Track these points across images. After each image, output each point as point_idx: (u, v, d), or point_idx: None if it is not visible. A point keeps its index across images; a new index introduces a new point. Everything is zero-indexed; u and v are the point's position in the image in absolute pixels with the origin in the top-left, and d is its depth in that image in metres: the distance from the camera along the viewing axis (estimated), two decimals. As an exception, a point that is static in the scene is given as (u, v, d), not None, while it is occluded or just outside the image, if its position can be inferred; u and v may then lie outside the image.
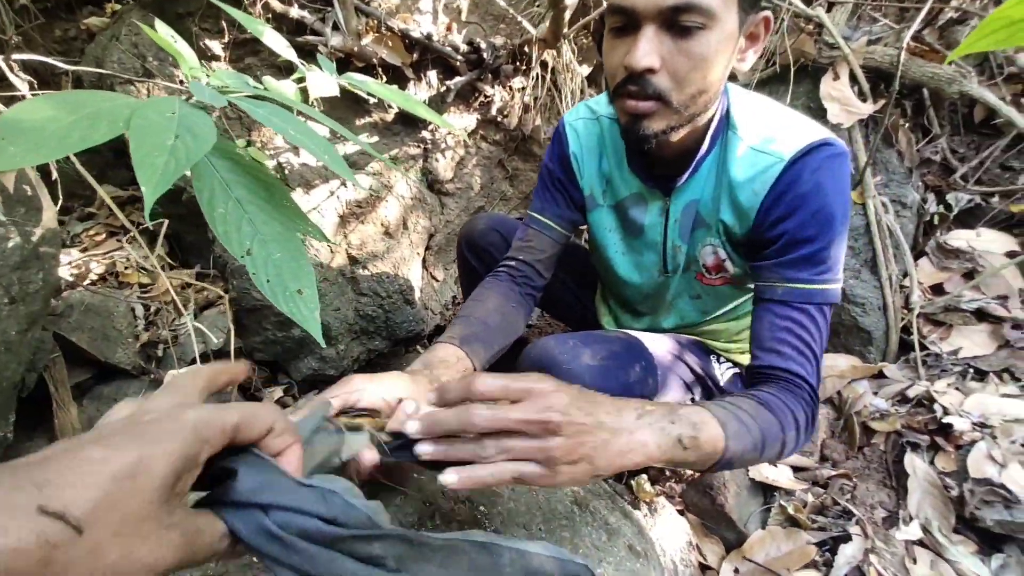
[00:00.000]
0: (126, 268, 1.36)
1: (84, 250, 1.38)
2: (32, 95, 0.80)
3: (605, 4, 0.65)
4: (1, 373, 0.79)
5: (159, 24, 0.66)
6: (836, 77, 1.39)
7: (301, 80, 0.94)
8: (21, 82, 0.81)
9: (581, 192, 0.92)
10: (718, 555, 1.03)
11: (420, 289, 1.56)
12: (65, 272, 1.22)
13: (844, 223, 0.69)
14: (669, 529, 1.01)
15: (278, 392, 1.40)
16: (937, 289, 1.36)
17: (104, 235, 1.48)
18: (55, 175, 0.95)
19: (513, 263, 0.92)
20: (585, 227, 0.98)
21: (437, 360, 0.72)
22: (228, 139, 1.28)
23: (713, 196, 0.77)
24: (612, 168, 0.87)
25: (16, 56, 0.79)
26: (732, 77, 0.72)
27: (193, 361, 1.18)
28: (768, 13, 0.66)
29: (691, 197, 0.79)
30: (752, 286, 0.87)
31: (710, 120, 0.72)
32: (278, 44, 0.89)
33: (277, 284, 0.59)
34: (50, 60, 0.82)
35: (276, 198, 0.65)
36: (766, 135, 0.72)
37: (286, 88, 0.82)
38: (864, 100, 1.36)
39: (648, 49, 0.60)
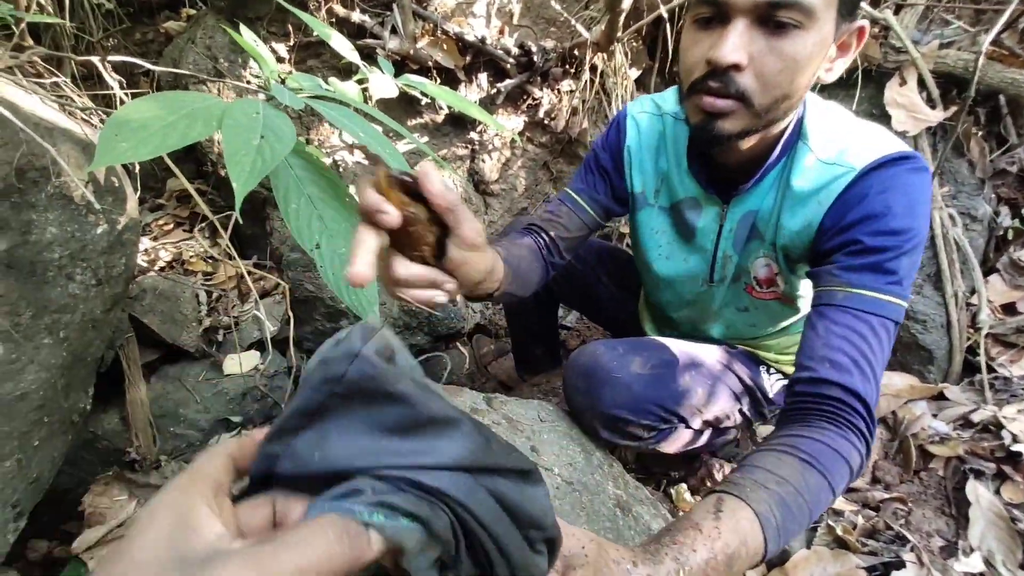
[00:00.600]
0: (192, 257, 1.45)
1: (154, 239, 1.48)
2: (124, 93, 0.87)
3: None
4: (87, 349, 0.86)
5: (243, 29, 0.70)
6: (903, 82, 1.32)
7: (362, 82, 0.98)
8: (114, 80, 0.88)
9: (625, 186, 0.88)
10: (760, 572, 1.01)
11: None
12: (139, 259, 1.31)
13: (918, 240, 0.63)
14: (708, 541, 0.99)
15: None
16: (1009, 309, 1.28)
17: (172, 225, 1.58)
18: (136, 168, 1.02)
19: (539, 231, 0.86)
20: (623, 225, 0.95)
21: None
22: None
23: (773, 208, 0.73)
24: (671, 168, 0.82)
25: (110, 57, 0.85)
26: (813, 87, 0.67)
27: (251, 346, 1.25)
28: (865, 23, 0.61)
29: (751, 207, 0.75)
30: (802, 306, 0.83)
31: (784, 129, 0.69)
32: (344, 47, 0.93)
33: (341, 277, 0.61)
34: (136, 60, 0.88)
35: (341, 195, 0.68)
36: (838, 147, 0.67)
37: (349, 90, 0.86)
38: (933, 107, 1.29)
39: (737, 44, 0.56)
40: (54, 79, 0.88)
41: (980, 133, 1.35)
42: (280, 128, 0.54)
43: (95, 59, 0.84)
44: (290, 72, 1.19)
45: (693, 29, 0.61)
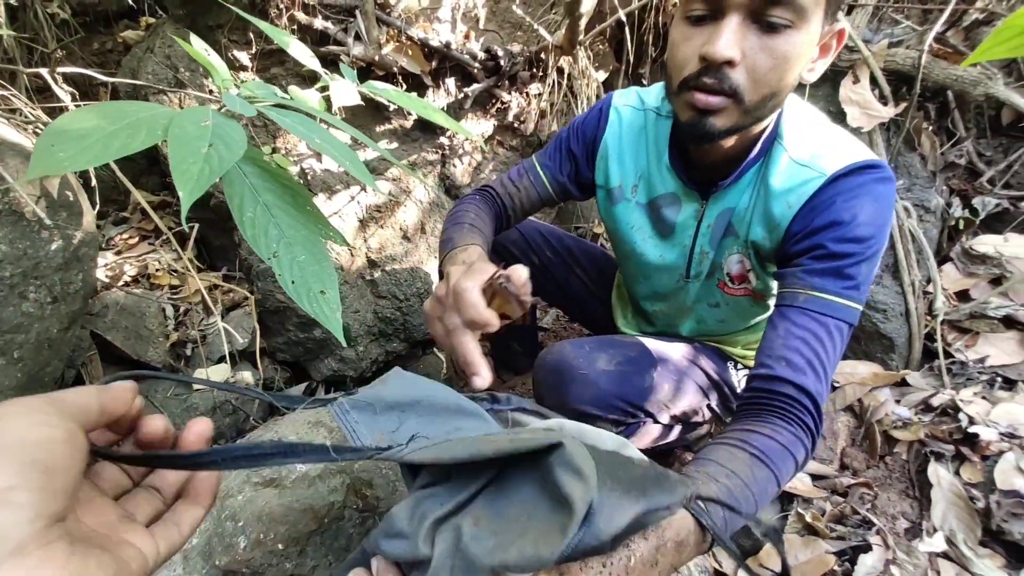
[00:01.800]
0: (157, 270, 1.41)
1: (118, 253, 1.44)
2: (74, 105, 0.85)
3: None
4: (43, 369, 0.83)
5: (193, 38, 0.69)
6: (856, 80, 1.37)
7: (324, 89, 0.98)
8: (64, 93, 0.86)
9: (592, 175, 0.90)
10: (734, 562, 1.02)
11: (437, 292, 1.58)
12: (101, 274, 1.27)
13: (879, 247, 0.66)
14: (684, 534, 1.01)
15: (299, 391, 1.44)
16: (963, 295, 1.33)
17: (137, 239, 1.54)
18: (94, 181, 1.00)
19: (498, 198, 0.93)
20: (597, 225, 0.97)
21: (483, 260, 0.69)
22: (255, 146, 1.33)
23: (748, 206, 0.75)
24: (650, 164, 0.84)
25: (60, 69, 0.83)
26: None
27: (220, 360, 1.22)
28: (845, 25, 0.64)
29: (728, 204, 0.77)
30: (772, 304, 0.85)
31: (764, 129, 0.71)
32: (303, 55, 0.93)
33: (301, 285, 0.61)
34: (90, 72, 0.87)
35: (300, 203, 0.68)
36: (811, 151, 0.69)
37: (310, 97, 0.86)
38: (885, 103, 1.34)
39: (731, 40, 0.57)
40: (2, 92, 0.85)
41: (930, 128, 1.40)
42: (230, 136, 0.54)
43: (44, 71, 0.82)
44: (252, 79, 1.17)
45: (684, 25, 0.62)
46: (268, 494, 0.55)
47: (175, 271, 1.43)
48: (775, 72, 0.59)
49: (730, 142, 0.70)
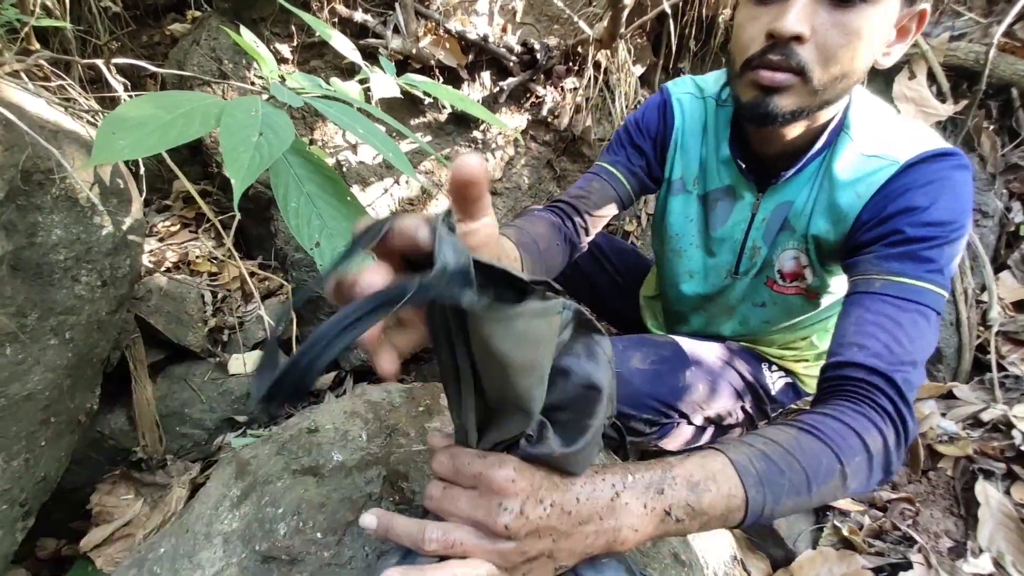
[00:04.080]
0: (197, 258, 1.46)
1: (161, 240, 1.49)
2: (127, 95, 0.88)
3: None
4: (92, 349, 0.87)
5: (244, 30, 0.70)
6: (912, 76, 1.30)
7: (364, 81, 0.98)
8: (117, 83, 0.88)
9: (663, 170, 0.85)
10: (764, 572, 1.00)
11: (466, 286, 1.58)
12: (145, 259, 1.32)
13: (962, 233, 0.61)
14: (713, 541, 0.98)
15: (329, 379, 1.46)
16: (1020, 306, 1.26)
17: (178, 226, 1.59)
18: (142, 170, 1.03)
19: (566, 208, 0.82)
20: (628, 222, 0.93)
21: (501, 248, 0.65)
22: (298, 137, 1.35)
23: (809, 199, 0.72)
24: (708, 154, 0.80)
25: (114, 60, 0.86)
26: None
27: (256, 346, 1.25)
28: (927, 7, 0.60)
29: (787, 198, 0.74)
30: (824, 303, 0.81)
31: (830, 120, 0.67)
32: (345, 47, 0.93)
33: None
34: (141, 63, 0.89)
35: (341, 194, 0.68)
36: (881, 141, 0.66)
37: (351, 89, 0.86)
38: (943, 100, 1.27)
39: (800, 15, 0.55)
40: (60, 82, 0.88)
41: (991, 127, 1.33)
42: (279, 125, 0.54)
43: (99, 62, 0.85)
44: (293, 72, 1.19)
45: (750, 5, 0.60)
46: (307, 482, 0.55)
47: (214, 258, 1.47)
48: (847, 50, 0.56)
49: (795, 131, 0.66)
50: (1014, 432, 1.08)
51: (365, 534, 0.50)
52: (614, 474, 0.40)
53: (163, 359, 1.19)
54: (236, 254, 1.58)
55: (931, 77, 1.28)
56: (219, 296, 1.34)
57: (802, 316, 0.87)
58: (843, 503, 1.05)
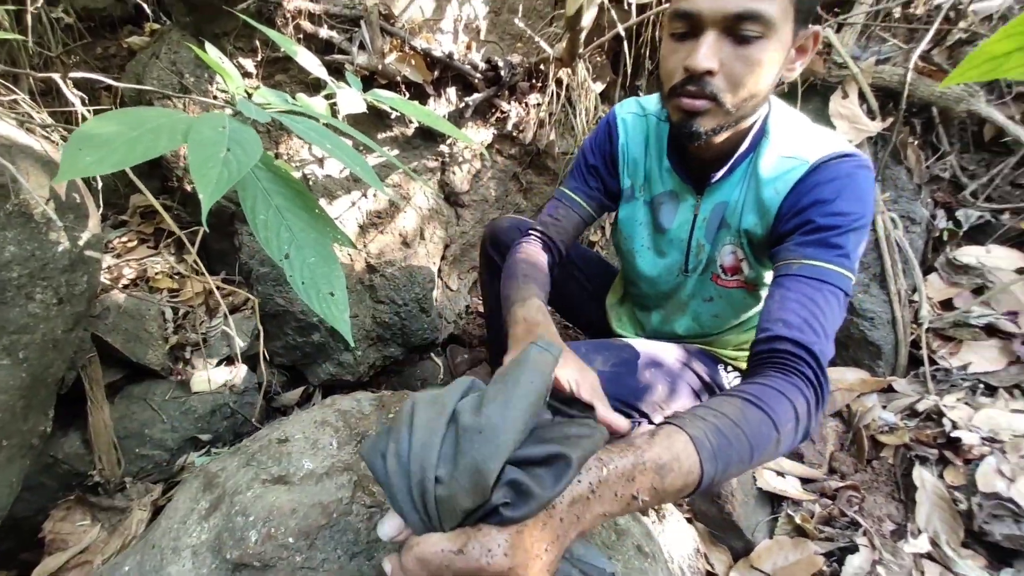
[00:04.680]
0: (157, 274, 1.42)
1: (118, 256, 1.44)
2: (85, 110, 0.87)
3: (669, 9, 0.70)
4: (47, 369, 0.84)
5: (208, 46, 0.71)
6: (845, 95, 1.42)
7: (330, 97, 1.00)
8: (75, 97, 0.87)
9: (619, 182, 0.95)
10: (725, 564, 1.05)
11: (435, 298, 1.60)
12: (102, 276, 1.28)
13: (864, 222, 0.70)
14: (677, 536, 1.02)
15: (296, 395, 1.44)
16: (946, 304, 1.37)
17: (136, 242, 1.55)
18: (99, 184, 1.01)
19: (543, 235, 0.95)
20: (592, 233, 1.01)
21: (542, 314, 0.76)
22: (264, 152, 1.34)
23: (740, 198, 0.82)
24: (652, 164, 0.91)
25: (72, 74, 0.85)
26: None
27: (220, 363, 1.23)
28: (818, 28, 0.71)
29: (722, 198, 0.83)
30: (764, 295, 0.89)
31: (751, 126, 0.78)
32: (311, 63, 0.95)
33: (311, 286, 0.63)
34: (98, 76, 0.88)
35: (309, 207, 0.70)
36: (795, 144, 0.76)
37: (317, 104, 0.88)
38: (873, 118, 1.39)
39: (708, 53, 0.65)
40: (12, 96, 0.86)
41: (916, 142, 1.45)
42: (246, 141, 0.56)
43: (55, 76, 0.84)
44: (257, 87, 1.19)
45: (671, 41, 0.70)
46: (277, 490, 0.56)
47: (175, 274, 1.44)
48: (751, 77, 0.67)
49: (720, 139, 0.76)
50: (944, 421, 1.17)
51: (336, 537, 0.51)
52: (589, 471, 0.43)
53: (121, 379, 1.16)
54: (196, 271, 1.55)
55: (862, 96, 1.40)
56: (180, 312, 1.31)
57: (747, 312, 0.95)
58: (796, 493, 1.11)
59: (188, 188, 1.45)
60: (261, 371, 1.21)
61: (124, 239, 1.55)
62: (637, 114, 0.93)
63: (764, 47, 0.65)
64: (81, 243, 0.89)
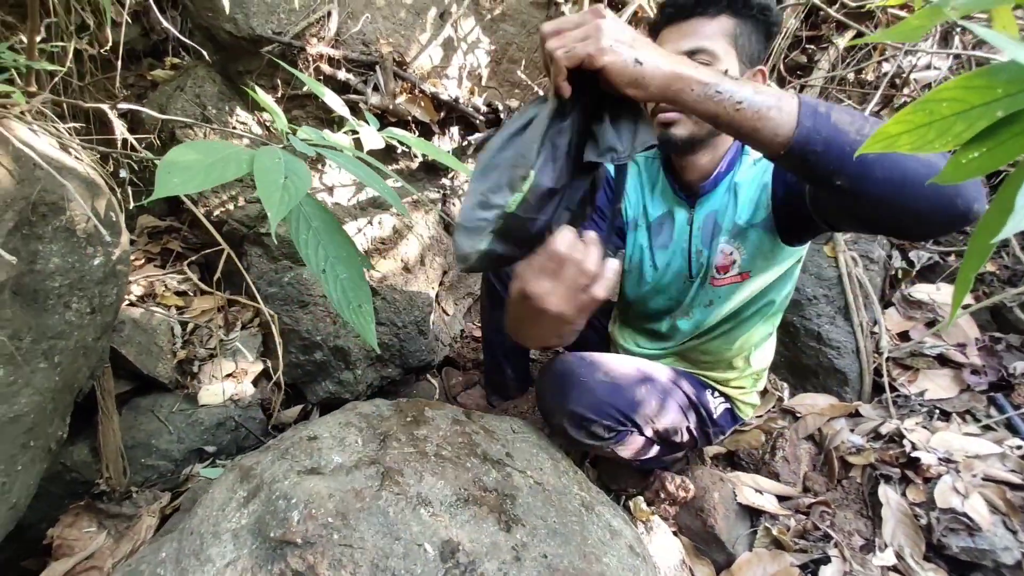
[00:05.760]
0: (164, 291, 1.47)
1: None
2: (132, 137, 0.95)
3: None
4: (76, 375, 0.89)
5: (259, 92, 0.81)
6: (808, 147, 1.59)
7: (349, 133, 1.10)
8: (120, 125, 0.96)
9: (622, 217, 1.10)
10: (708, 575, 1.11)
11: (432, 321, 1.67)
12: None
13: None
14: (663, 547, 1.09)
15: (295, 413, 1.48)
16: (904, 336, 1.50)
17: (143, 261, 1.60)
18: (131, 205, 1.08)
19: None
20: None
21: None
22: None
23: (728, 204, 0.95)
24: (645, 193, 1.07)
25: (120, 105, 0.94)
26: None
27: (227, 377, 1.27)
28: (764, 69, 0.89)
29: (712, 208, 0.97)
30: (759, 281, 0.99)
31: (727, 149, 0.95)
32: (335, 103, 1.05)
33: (343, 299, 0.71)
34: (144, 109, 0.97)
35: (338, 230, 0.79)
36: None
37: (343, 140, 0.98)
38: (833, 168, 1.55)
39: None
40: (64, 124, 0.94)
41: (871, 190, 1.62)
42: (299, 170, 0.65)
43: (105, 106, 0.92)
44: (297, 126, 1.29)
45: None
46: (313, 479, 0.62)
47: (180, 292, 1.49)
48: None
49: (704, 159, 0.93)
50: (905, 442, 1.27)
51: (370, 519, 0.57)
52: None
53: (129, 391, 1.19)
54: (202, 290, 1.60)
55: (823, 149, 1.56)
56: (188, 328, 1.35)
57: (746, 301, 1.02)
58: (773, 508, 1.19)
59: (199, 212, 1.52)
60: (276, 382, 1.25)
61: (132, 258, 1.61)
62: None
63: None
64: (114, 258, 0.95)
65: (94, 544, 0.93)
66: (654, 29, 0.89)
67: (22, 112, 0.88)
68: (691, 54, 0.80)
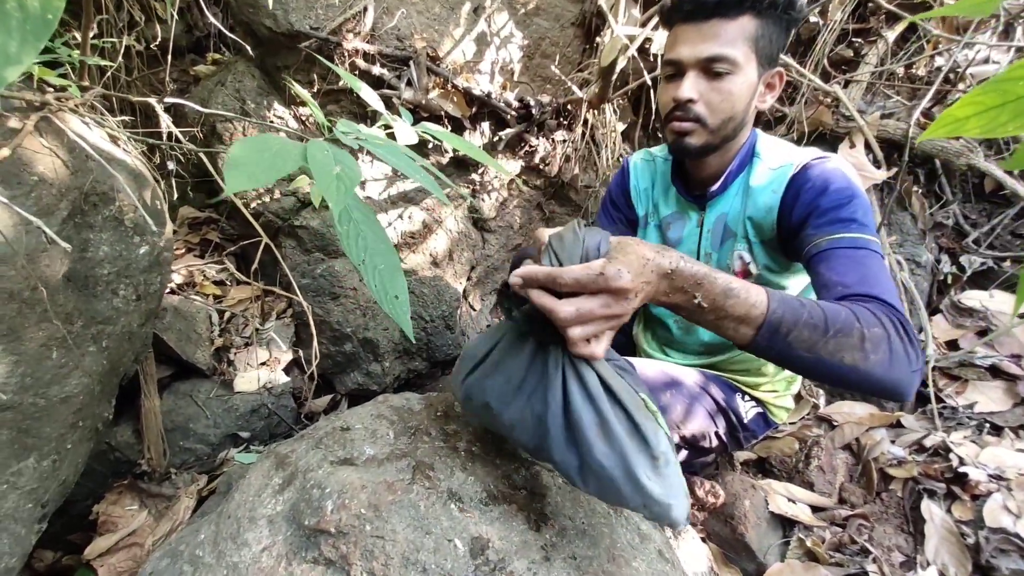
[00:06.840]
0: (202, 280, 1.51)
1: (168, 262, 1.54)
2: (177, 131, 0.98)
3: (663, 59, 0.88)
4: (121, 359, 0.92)
5: (297, 86, 0.82)
6: (852, 145, 1.52)
7: (383, 127, 1.11)
8: (166, 119, 0.98)
9: (635, 211, 1.11)
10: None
11: (459, 316, 1.68)
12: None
13: (860, 193, 0.79)
14: (692, 554, 1.06)
15: (324, 402, 1.51)
16: (952, 345, 1.43)
17: (183, 250, 1.65)
18: (175, 196, 1.12)
19: None
20: None
21: None
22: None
23: (739, 208, 0.94)
24: (658, 194, 1.08)
25: (167, 99, 0.96)
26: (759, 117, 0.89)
27: (261, 365, 1.30)
28: (781, 69, 0.88)
29: (722, 210, 0.96)
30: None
31: (738, 150, 0.93)
32: (371, 99, 1.06)
33: (381, 289, 0.71)
34: (189, 103, 1.00)
35: (375, 223, 0.79)
36: (781, 156, 0.90)
37: (379, 135, 0.98)
38: (878, 167, 1.48)
39: (690, 87, 0.83)
40: (111, 118, 0.98)
41: (920, 191, 1.55)
42: (349, 162, 0.66)
43: (152, 100, 0.95)
44: (337, 121, 1.31)
45: (664, 83, 0.89)
46: (346, 470, 0.63)
47: (219, 281, 1.53)
48: (725, 102, 0.83)
49: (713, 163, 0.93)
50: (951, 456, 1.21)
51: (401, 512, 0.58)
52: (677, 253, 0.57)
53: (168, 376, 1.23)
54: (235, 280, 1.64)
55: (868, 147, 1.50)
56: (225, 316, 1.39)
57: None
58: (807, 519, 1.15)
59: (238, 202, 1.56)
60: (307, 372, 1.28)
61: (174, 247, 1.66)
62: (645, 159, 1.12)
63: (733, 80, 0.82)
64: (159, 247, 0.99)
65: (136, 521, 0.97)
66: (667, 21, 0.87)
67: (76, 105, 0.92)
68: (710, 61, 0.80)
